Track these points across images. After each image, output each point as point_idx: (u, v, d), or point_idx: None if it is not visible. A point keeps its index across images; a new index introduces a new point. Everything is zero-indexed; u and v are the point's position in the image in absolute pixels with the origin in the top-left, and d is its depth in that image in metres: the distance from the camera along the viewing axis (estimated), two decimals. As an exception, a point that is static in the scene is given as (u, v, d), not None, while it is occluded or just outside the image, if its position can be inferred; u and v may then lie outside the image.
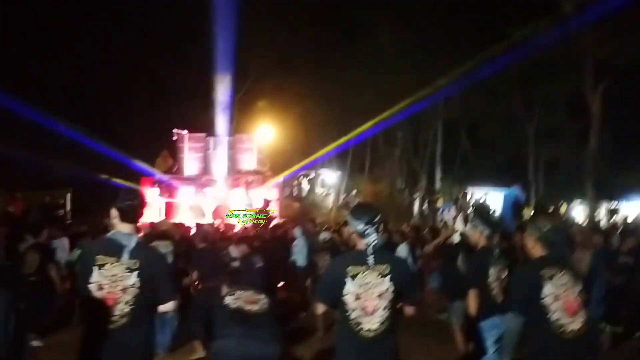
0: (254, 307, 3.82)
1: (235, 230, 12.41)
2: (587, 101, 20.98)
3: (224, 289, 4.16)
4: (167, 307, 3.61)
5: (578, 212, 25.85)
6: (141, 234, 9.23)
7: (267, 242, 11.09)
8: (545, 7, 19.09)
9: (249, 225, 11.76)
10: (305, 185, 32.42)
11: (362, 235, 3.45)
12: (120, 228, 3.53)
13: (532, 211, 19.69)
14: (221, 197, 15.29)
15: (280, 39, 24.26)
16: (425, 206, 26.64)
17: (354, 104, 25.06)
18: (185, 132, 16.59)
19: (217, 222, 13.32)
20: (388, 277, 3.40)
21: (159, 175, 15.39)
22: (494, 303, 4.90)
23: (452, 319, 6.89)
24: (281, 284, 11.38)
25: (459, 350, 6.86)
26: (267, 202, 14.26)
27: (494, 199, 25.73)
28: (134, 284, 3.41)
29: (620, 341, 7.72)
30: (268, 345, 3.64)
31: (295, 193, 31.04)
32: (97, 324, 3.43)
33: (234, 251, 8.20)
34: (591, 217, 21.29)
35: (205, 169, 16.08)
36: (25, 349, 2.58)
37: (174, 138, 16.49)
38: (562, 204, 26.84)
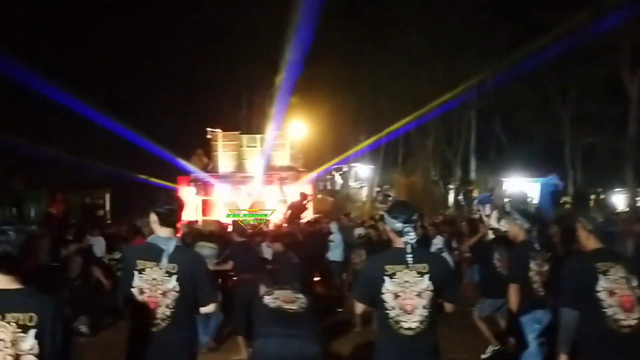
0: (293, 306, 3.83)
1: (270, 227, 12.51)
2: (624, 85, 20.45)
3: (262, 289, 4.20)
4: (208, 308, 3.66)
5: (618, 199, 25.24)
6: (186, 234, 9.46)
7: (303, 238, 11.16)
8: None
9: (248, 225, 11.85)
10: (339, 180, 32.42)
11: (400, 233, 3.43)
12: (160, 232, 3.57)
13: (571, 200, 19.35)
14: (256, 194, 15.41)
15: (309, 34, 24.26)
16: (460, 197, 26.35)
17: (386, 97, 24.93)
18: (219, 130, 16.73)
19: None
20: (427, 275, 3.38)
21: (195, 171, 15.58)
22: (535, 297, 4.85)
23: (476, 312, 6.91)
24: (317, 279, 11.45)
25: (491, 341, 6.88)
26: (304, 196, 14.32)
27: (531, 188, 25.39)
28: (173, 288, 3.45)
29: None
30: (308, 344, 3.64)
31: (328, 187, 31.08)
32: (140, 327, 3.50)
33: (267, 250, 8.28)
34: (632, 204, 20.78)
35: (240, 167, 16.20)
36: (72, 354, 2.63)
37: (208, 137, 16.64)
38: (600, 191, 26.25)
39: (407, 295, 3.36)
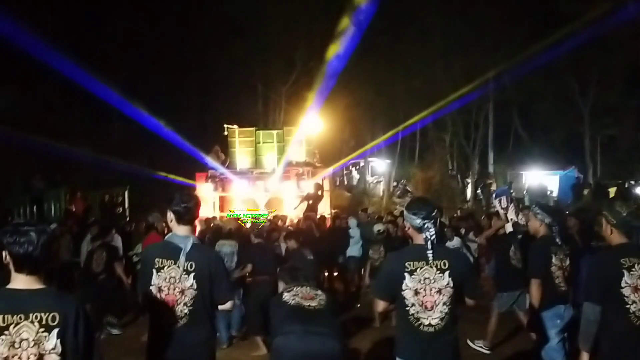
0: (313, 303, 3.82)
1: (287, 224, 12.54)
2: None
3: (281, 286, 4.19)
4: (226, 306, 3.69)
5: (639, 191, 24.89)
6: (204, 231, 9.53)
7: (321, 234, 11.17)
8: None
9: (248, 225, 11.92)
10: (356, 175, 32.38)
11: (420, 230, 3.41)
12: (177, 230, 3.58)
13: (591, 193, 19.12)
14: (273, 190, 15.46)
15: (325, 28, 24.19)
16: (478, 191, 26.17)
17: (403, 91, 24.80)
18: (235, 126, 16.78)
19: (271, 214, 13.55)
20: (447, 272, 3.36)
21: (213, 167, 15.67)
22: (557, 292, 4.79)
23: (496, 306, 6.90)
24: (335, 274, 11.46)
25: (488, 337, 6.92)
26: (318, 186, 14.35)
27: (550, 181, 25.17)
28: (191, 286, 3.46)
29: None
30: (329, 341, 3.64)
31: (345, 182, 31.07)
32: (159, 324, 3.52)
33: (284, 247, 8.32)
34: (654, 196, 20.49)
35: (256, 163, 16.24)
36: (95, 352, 2.65)
37: (225, 133, 16.70)
38: (620, 183, 25.93)
39: (427, 292, 3.35)
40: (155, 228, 7.88)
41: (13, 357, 2.42)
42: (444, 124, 27.80)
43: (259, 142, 16.43)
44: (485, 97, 26.20)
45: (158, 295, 3.47)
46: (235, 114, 21.74)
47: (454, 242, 8.99)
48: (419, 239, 3.45)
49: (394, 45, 24.50)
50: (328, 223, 12.96)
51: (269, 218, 12.65)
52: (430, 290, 3.35)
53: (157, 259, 3.50)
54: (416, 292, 3.36)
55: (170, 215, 3.60)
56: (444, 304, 3.35)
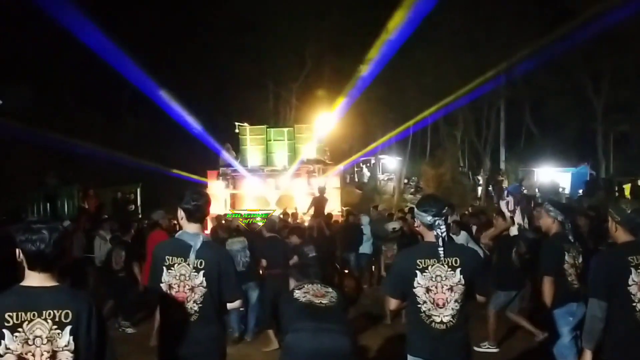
0: (324, 300, 3.83)
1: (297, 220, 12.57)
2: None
3: (292, 283, 4.20)
4: (235, 304, 3.67)
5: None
6: (215, 229, 9.56)
7: (331, 232, 11.18)
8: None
9: (249, 224, 11.94)
10: (366, 172, 32.34)
11: (431, 227, 3.40)
12: (187, 228, 3.59)
13: (602, 190, 18.96)
14: (284, 187, 15.50)
15: (335, 24, 24.17)
16: (490, 188, 26.04)
17: (414, 87, 24.69)
18: (246, 124, 16.83)
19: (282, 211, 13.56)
20: (459, 269, 3.35)
21: (227, 160, 15.73)
22: (570, 290, 4.75)
23: (491, 305, 6.82)
24: (346, 271, 11.47)
25: (490, 333, 6.89)
26: (321, 189, 14.35)
27: (562, 178, 25.00)
28: (201, 283, 3.47)
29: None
30: (340, 338, 3.65)
31: (356, 180, 31.02)
32: (169, 322, 3.54)
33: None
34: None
35: (267, 160, 16.28)
36: (108, 349, 2.66)
37: (236, 131, 16.76)
38: (634, 180, 25.69)
39: (438, 290, 3.35)
40: (159, 225, 7.90)
41: (27, 354, 2.44)
42: (455, 120, 27.66)
43: (270, 140, 16.48)
44: (497, 94, 26.05)
45: (168, 293, 3.49)
46: (246, 112, 21.78)
47: (460, 237, 8.92)
48: (429, 236, 3.44)
49: (405, 42, 24.36)
50: (338, 220, 12.97)
51: (279, 214, 12.65)
52: (442, 287, 3.34)
53: (167, 257, 3.51)
54: (428, 290, 3.35)
55: (180, 213, 3.61)
56: (456, 301, 3.34)
